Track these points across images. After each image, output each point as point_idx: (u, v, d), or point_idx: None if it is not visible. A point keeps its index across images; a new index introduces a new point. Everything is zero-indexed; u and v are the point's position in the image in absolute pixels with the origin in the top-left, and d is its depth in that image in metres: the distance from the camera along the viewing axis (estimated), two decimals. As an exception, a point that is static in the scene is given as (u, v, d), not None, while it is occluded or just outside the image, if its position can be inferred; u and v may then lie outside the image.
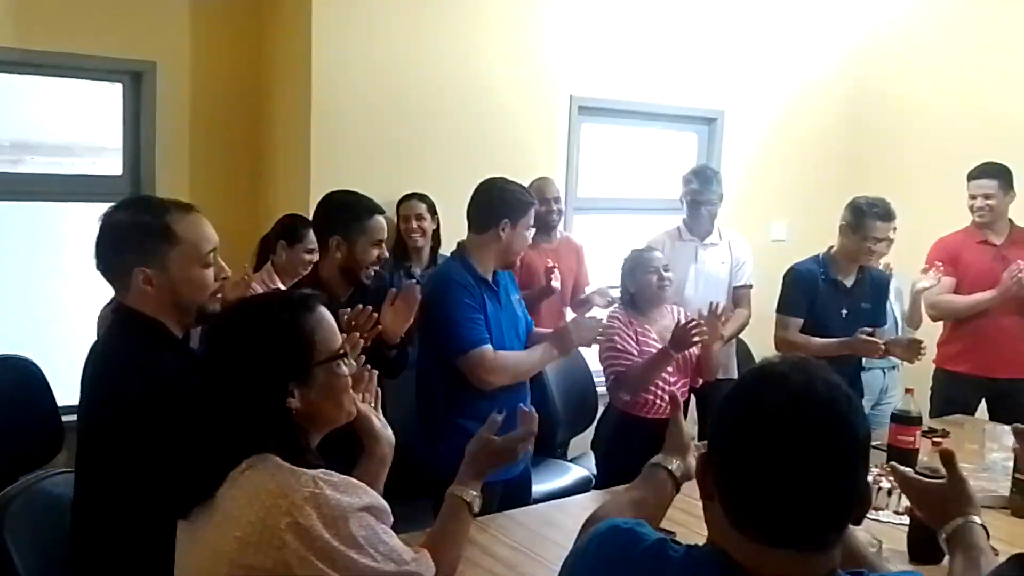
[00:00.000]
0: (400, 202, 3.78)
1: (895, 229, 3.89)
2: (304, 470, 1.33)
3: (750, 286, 3.92)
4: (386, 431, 1.67)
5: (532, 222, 2.75)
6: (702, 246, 3.85)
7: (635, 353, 3.11)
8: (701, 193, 3.81)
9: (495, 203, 2.69)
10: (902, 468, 1.62)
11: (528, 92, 4.11)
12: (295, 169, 3.67)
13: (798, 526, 1.03)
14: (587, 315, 3.45)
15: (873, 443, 3.22)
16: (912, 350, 3.31)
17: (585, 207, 4.51)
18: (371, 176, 3.48)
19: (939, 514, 1.49)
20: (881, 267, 3.91)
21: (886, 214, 3.44)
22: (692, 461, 1.60)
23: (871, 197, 3.48)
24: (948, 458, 1.51)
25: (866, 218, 3.41)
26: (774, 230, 4.98)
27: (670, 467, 1.62)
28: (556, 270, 3.71)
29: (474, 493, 1.66)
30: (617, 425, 3.20)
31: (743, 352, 4.25)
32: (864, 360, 3.78)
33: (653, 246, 3.77)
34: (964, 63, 4.89)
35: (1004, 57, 4.73)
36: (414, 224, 3.79)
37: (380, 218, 2.58)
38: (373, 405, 1.71)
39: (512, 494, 2.62)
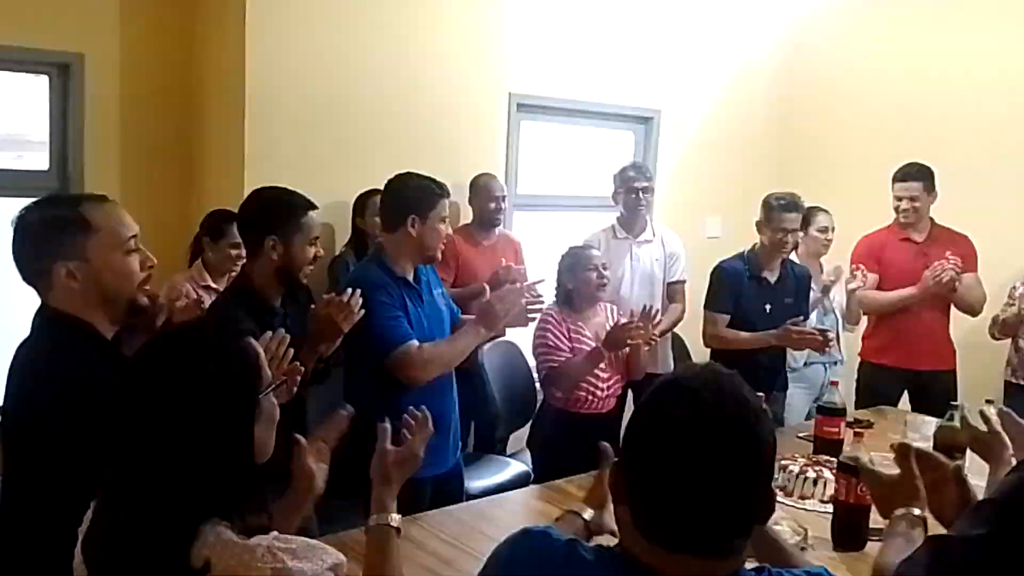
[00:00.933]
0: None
1: (831, 229, 4.01)
2: (258, 542, 1.17)
3: (684, 281, 4.01)
4: (321, 469, 1.62)
5: (445, 214, 2.69)
6: (636, 243, 3.92)
7: (567, 350, 3.15)
8: (639, 180, 3.88)
9: (401, 200, 2.64)
10: (864, 460, 1.78)
11: (468, 89, 4.12)
12: (229, 165, 3.61)
13: (701, 534, 1.06)
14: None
15: (800, 434, 3.31)
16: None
17: (524, 204, 4.54)
18: (307, 173, 3.44)
19: (887, 503, 1.58)
20: (826, 272, 4.05)
21: (792, 205, 3.56)
22: (608, 515, 1.68)
23: (780, 192, 3.62)
24: (903, 453, 1.59)
25: (773, 211, 3.54)
26: (708, 227, 5.08)
27: (584, 516, 1.74)
28: (511, 266, 3.75)
29: (396, 516, 1.62)
30: (553, 421, 3.24)
31: (678, 347, 4.33)
32: (808, 355, 3.90)
33: (590, 244, 3.83)
34: (890, 67, 5.07)
35: (929, 60, 4.92)
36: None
37: (314, 214, 2.50)
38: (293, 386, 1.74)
39: (444, 490, 2.63)
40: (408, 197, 2.65)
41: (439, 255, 2.74)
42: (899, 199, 4.06)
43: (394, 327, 2.56)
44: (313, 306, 2.46)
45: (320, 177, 3.54)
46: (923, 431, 2.98)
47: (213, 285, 3.30)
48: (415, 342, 2.58)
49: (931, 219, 4.13)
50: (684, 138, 5.01)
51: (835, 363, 4.07)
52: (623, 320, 3.19)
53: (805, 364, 4.00)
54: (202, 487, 1.16)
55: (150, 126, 3.69)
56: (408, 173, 2.74)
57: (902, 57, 5.02)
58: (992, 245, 4.13)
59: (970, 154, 4.59)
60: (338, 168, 3.73)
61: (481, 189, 3.94)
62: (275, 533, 1.21)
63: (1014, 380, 4.07)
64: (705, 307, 3.64)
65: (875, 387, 4.04)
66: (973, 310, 4.00)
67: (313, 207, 2.49)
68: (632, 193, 3.89)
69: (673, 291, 4.02)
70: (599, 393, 3.20)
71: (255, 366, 1.27)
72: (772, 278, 3.62)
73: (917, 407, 3.84)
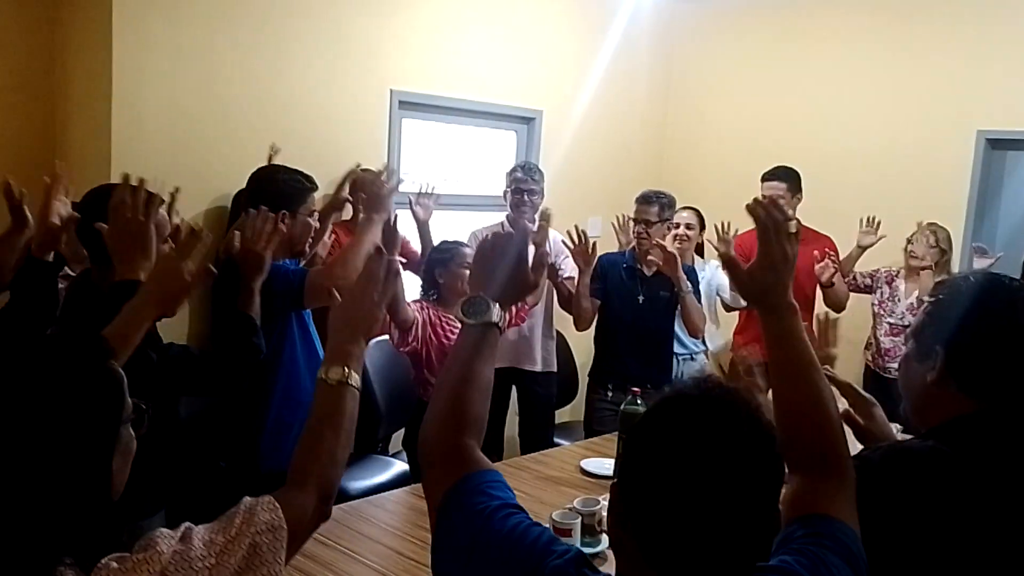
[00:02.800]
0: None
1: (690, 226, 4.16)
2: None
3: (572, 277, 4.07)
4: None
5: (315, 208, 2.69)
6: (521, 242, 3.96)
7: (444, 343, 3.17)
8: (525, 181, 3.94)
9: (269, 195, 2.61)
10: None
11: (348, 86, 4.06)
12: (98, 169, 3.42)
13: (718, 564, 0.96)
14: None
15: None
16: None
17: (407, 202, 4.51)
18: (180, 174, 3.29)
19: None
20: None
21: (647, 198, 3.76)
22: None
23: (647, 189, 3.83)
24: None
25: (636, 204, 3.77)
26: (590, 227, 5.15)
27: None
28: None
29: (343, 368, 1.36)
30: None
31: (561, 344, 4.41)
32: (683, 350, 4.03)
33: (475, 237, 3.87)
34: (759, 76, 5.32)
35: (795, 71, 5.19)
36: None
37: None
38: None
39: None
40: (277, 192, 2.61)
41: (308, 249, 2.72)
42: (765, 198, 4.26)
43: (290, 270, 2.58)
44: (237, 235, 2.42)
45: (194, 178, 3.40)
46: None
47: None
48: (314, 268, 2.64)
49: (797, 220, 4.35)
50: (565, 139, 5.09)
51: (700, 352, 4.19)
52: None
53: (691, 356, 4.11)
54: (53, 526, 1.02)
55: (12, 130, 3.47)
56: (275, 167, 2.70)
57: (770, 68, 5.29)
58: (849, 245, 4.41)
59: (832, 160, 4.87)
60: (213, 169, 3.59)
61: (359, 186, 3.89)
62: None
63: (873, 367, 4.36)
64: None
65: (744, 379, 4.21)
66: (840, 304, 4.25)
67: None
68: (518, 194, 3.94)
69: (560, 287, 4.08)
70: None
71: (120, 393, 1.13)
72: (648, 271, 3.75)
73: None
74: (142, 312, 1.75)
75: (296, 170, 2.69)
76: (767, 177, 4.32)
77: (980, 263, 4.14)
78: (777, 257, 1.28)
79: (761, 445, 0.97)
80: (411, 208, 3.90)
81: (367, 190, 2.83)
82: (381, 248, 2.28)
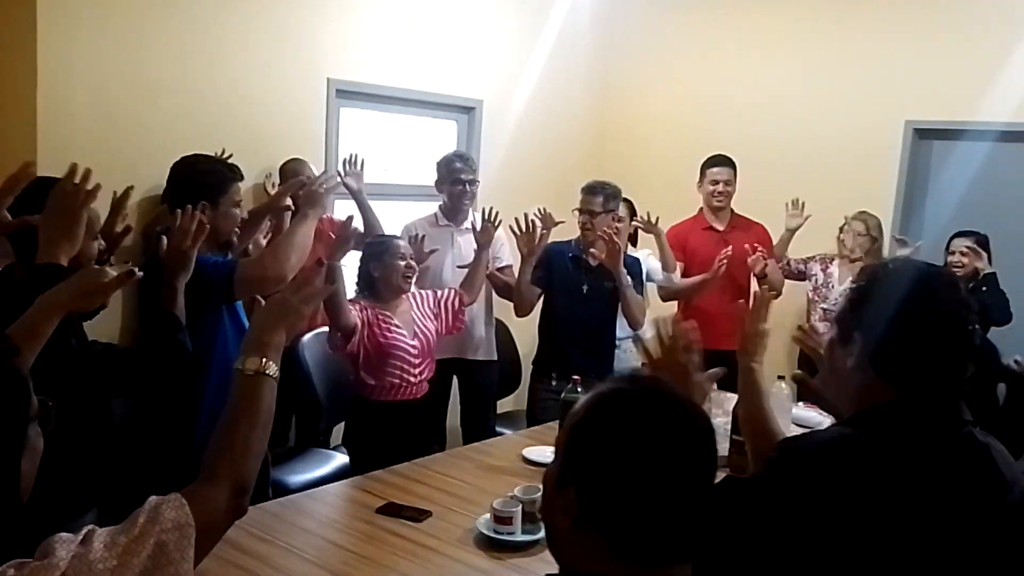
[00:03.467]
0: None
1: (623, 219, 4.18)
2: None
3: (510, 265, 4.08)
4: None
5: (239, 198, 2.63)
6: (459, 231, 3.96)
7: (381, 342, 3.15)
8: (465, 171, 3.92)
9: (188, 185, 2.55)
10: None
11: (283, 74, 3.99)
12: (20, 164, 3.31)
13: (679, 542, 1.03)
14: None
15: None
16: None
17: (345, 192, 4.46)
18: (111, 165, 3.21)
19: None
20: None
21: (592, 189, 3.78)
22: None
23: (593, 179, 3.84)
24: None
25: (582, 194, 3.78)
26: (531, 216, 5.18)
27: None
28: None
29: (261, 358, 1.34)
30: (366, 412, 3.22)
31: (502, 332, 4.41)
32: (617, 339, 4.07)
33: (409, 230, 3.84)
34: (698, 64, 5.39)
35: (732, 60, 5.26)
36: None
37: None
38: None
39: None
40: (196, 182, 2.56)
41: (235, 240, 2.68)
42: (715, 183, 4.36)
43: (218, 262, 2.54)
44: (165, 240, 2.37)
45: (123, 168, 3.30)
46: (725, 406, 3.19)
47: None
48: (242, 259, 2.62)
49: (731, 209, 4.45)
50: (506, 128, 5.08)
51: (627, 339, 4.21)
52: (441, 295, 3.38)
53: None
54: None
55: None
56: (195, 156, 2.64)
57: (707, 58, 5.36)
58: (779, 233, 4.51)
59: (767, 149, 4.96)
60: (143, 158, 3.48)
61: (289, 174, 3.83)
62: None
63: (806, 352, 4.45)
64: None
65: (685, 367, 4.27)
66: (776, 292, 4.33)
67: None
68: (459, 184, 3.92)
69: (495, 277, 4.08)
70: (411, 379, 3.22)
71: (25, 391, 1.11)
72: (593, 261, 3.77)
73: (721, 385, 4.09)
74: (55, 305, 1.72)
75: (219, 159, 2.65)
76: (714, 163, 4.40)
77: (900, 252, 4.25)
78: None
79: (702, 431, 1.05)
80: (342, 181, 3.86)
81: (304, 187, 2.81)
82: (323, 260, 2.27)
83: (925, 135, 4.76)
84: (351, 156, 3.87)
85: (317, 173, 3.87)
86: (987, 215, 4.36)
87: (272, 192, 3.64)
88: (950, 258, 4.13)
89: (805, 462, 1.29)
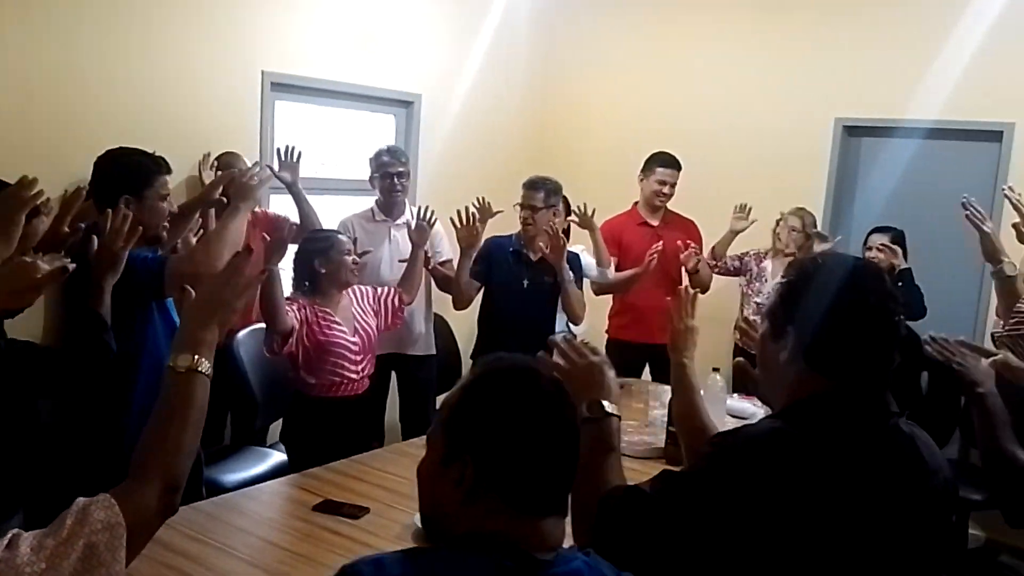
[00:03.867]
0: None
1: (563, 211, 4.20)
2: None
3: (449, 260, 4.07)
4: None
5: (166, 191, 2.59)
6: (395, 226, 3.93)
7: (321, 340, 3.12)
8: (394, 164, 3.90)
9: (112, 178, 2.50)
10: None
11: (217, 67, 3.91)
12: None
13: (558, 496, 1.18)
14: None
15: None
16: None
17: (282, 186, 4.39)
18: (36, 162, 3.10)
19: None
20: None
21: (533, 184, 3.79)
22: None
23: (534, 175, 3.86)
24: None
25: (523, 189, 3.80)
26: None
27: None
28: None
29: (193, 355, 1.32)
30: (306, 409, 3.19)
31: (441, 327, 4.41)
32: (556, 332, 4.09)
33: (345, 226, 3.80)
34: (636, 61, 5.44)
35: (670, 58, 5.33)
36: None
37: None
38: None
39: None
40: (119, 175, 2.50)
41: (164, 235, 2.63)
42: (662, 183, 4.41)
43: (147, 258, 2.49)
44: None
45: (49, 163, 3.19)
46: (662, 399, 3.25)
47: None
48: (173, 256, 2.57)
49: (665, 205, 4.52)
50: (446, 123, 5.07)
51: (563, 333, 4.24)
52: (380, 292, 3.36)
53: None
54: None
55: None
56: (120, 149, 2.58)
57: (645, 56, 5.42)
58: (718, 227, 4.58)
59: (702, 146, 5.03)
60: (69, 153, 3.37)
61: (223, 168, 3.76)
62: None
63: (741, 345, 4.55)
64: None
65: (620, 361, 4.29)
66: (705, 286, 4.42)
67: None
68: (388, 178, 3.90)
69: (436, 271, 4.07)
70: (352, 376, 3.19)
71: None
72: (534, 256, 3.78)
73: (657, 377, 4.17)
74: None
75: (145, 152, 2.58)
76: (663, 163, 4.44)
77: (819, 247, 4.36)
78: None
79: (563, 400, 1.20)
80: (275, 174, 3.80)
81: (235, 180, 2.76)
82: (251, 247, 2.23)
83: (854, 132, 4.89)
84: (286, 148, 3.81)
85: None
86: (914, 211, 4.49)
87: (206, 178, 3.57)
88: (867, 253, 4.24)
89: (737, 457, 1.31)
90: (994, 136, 4.42)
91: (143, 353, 2.49)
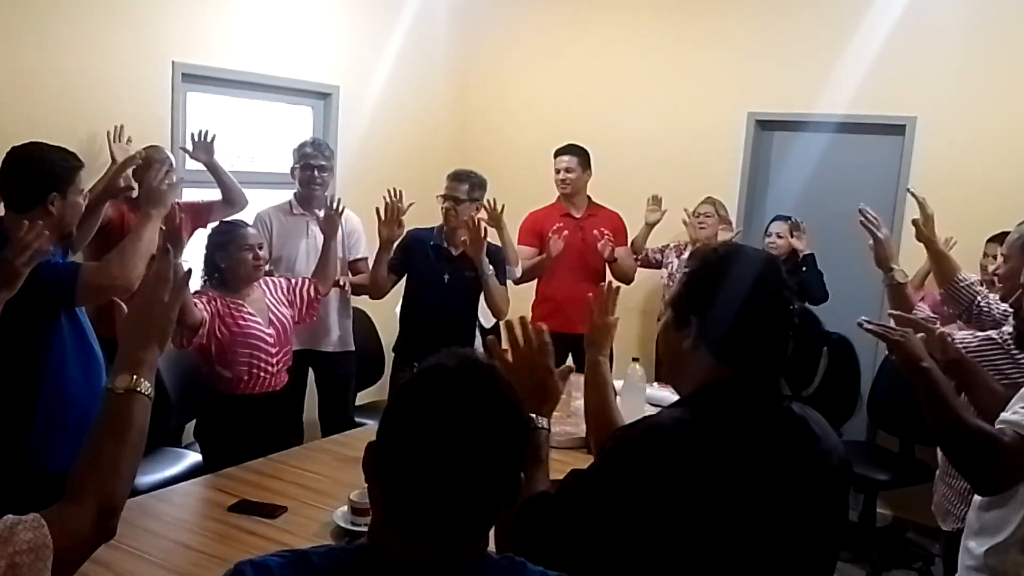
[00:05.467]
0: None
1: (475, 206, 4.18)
2: None
3: (365, 258, 4.03)
4: None
5: (83, 187, 2.53)
6: (313, 220, 3.87)
7: (234, 331, 3.06)
8: (315, 157, 3.85)
9: (37, 175, 2.41)
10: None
11: (125, 57, 3.78)
12: None
13: (450, 528, 1.04)
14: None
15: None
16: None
17: (197, 180, 4.28)
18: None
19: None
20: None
21: (457, 176, 3.80)
22: None
23: (459, 167, 3.86)
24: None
25: (447, 181, 3.79)
26: (391, 204, 5.13)
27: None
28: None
29: (132, 376, 1.27)
30: (221, 406, 3.12)
31: (363, 322, 4.36)
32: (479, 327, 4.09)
33: (261, 219, 3.73)
34: (555, 56, 5.47)
35: (588, 53, 5.37)
36: None
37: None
38: None
39: None
40: (44, 173, 2.41)
41: (75, 231, 2.56)
42: (558, 171, 4.49)
43: (58, 265, 2.41)
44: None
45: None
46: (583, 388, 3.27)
47: None
48: (85, 264, 2.52)
49: (588, 197, 4.56)
50: (364, 115, 5.01)
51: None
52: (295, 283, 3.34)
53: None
54: None
55: None
56: (36, 145, 2.48)
57: (564, 50, 5.45)
58: (636, 219, 4.65)
59: (621, 139, 5.10)
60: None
61: (144, 161, 3.66)
62: None
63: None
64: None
65: (544, 352, 4.35)
66: (627, 277, 4.48)
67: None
68: (308, 170, 3.85)
69: (356, 268, 4.03)
70: (269, 369, 3.14)
71: None
72: (455, 251, 3.77)
73: (580, 368, 4.19)
74: None
75: (60, 147, 2.49)
76: (559, 152, 4.51)
77: (723, 236, 4.49)
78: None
79: (506, 415, 1.06)
80: (192, 155, 3.77)
81: (145, 182, 2.69)
82: (168, 248, 2.16)
83: (766, 126, 5.01)
84: (199, 132, 3.74)
85: (173, 161, 3.72)
86: (824, 202, 4.63)
87: (118, 153, 3.46)
88: (767, 240, 4.41)
89: (638, 449, 1.33)
90: (898, 129, 4.58)
91: (48, 358, 2.40)
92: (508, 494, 1.07)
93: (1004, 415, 1.81)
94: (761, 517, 1.32)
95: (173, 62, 3.98)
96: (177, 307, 1.37)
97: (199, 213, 3.77)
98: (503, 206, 4.11)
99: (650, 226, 4.60)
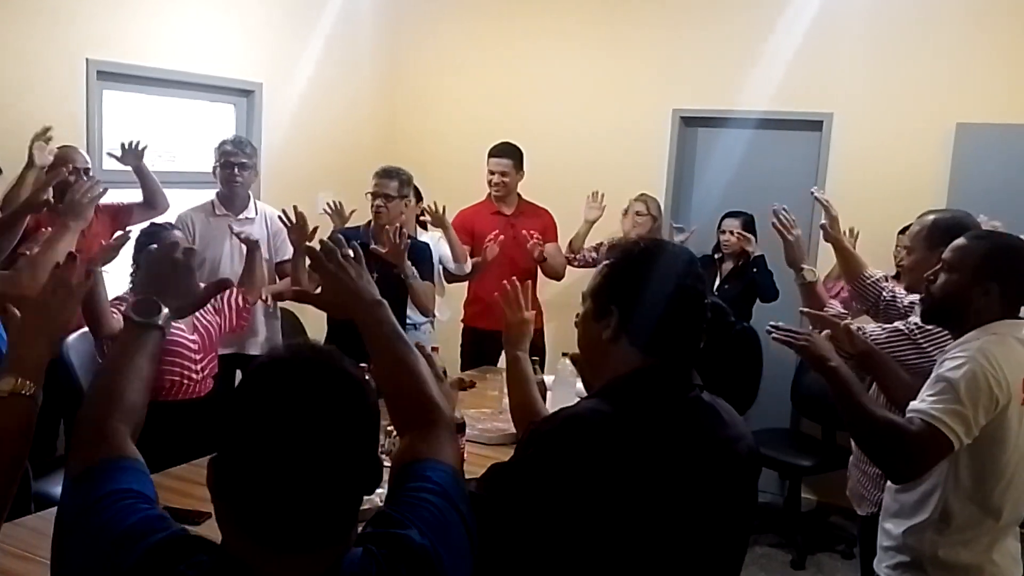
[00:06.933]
0: None
1: (414, 199, 4.16)
2: None
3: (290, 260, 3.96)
4: None
5: None
6: (237, 221, 3.80)
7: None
8: (236, 155, 3.79)
9: None
10: None
11: (35, 54, 3.66)
12: None
13: (299, 531, 0.99)
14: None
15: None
16: None
17: (116, 180, 4.15)
18: None
19: None
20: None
21: (385, 173, 3.77)
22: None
23: (388, 164, 3.82)
24: None
25: (375, 178, 3.76)
26: (319, 202, 5.07)
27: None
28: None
29: (16, 379, 1.27)
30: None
31: (287, 320, 4.30)
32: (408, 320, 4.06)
33: (183, 221, 3.65)
34: (484, 53, 5.48)
35: (517, 51, 5.39)
36: None
37: None
38: None
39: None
40: None
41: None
42: (492, 173, 4.45)
43: None
44: None
45: None
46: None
47: None
48: None
49: (519, 195, 4.58)
50: (288, 113, 4.94)
51: (426, 323, 4.19)
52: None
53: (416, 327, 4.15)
54: None
55: None
56: None
57: (493, 48, 5.46)
58: (567, 217, 4.68)
59: (552, 137, 5.13)
60: None
61: (58, 163, 3.54)
62: None
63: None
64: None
65: (477, 349, 4.38)
66: (557, 275, 4.51)
67: None
68: (228, 168, 3.78)
69: (282, 270, 3.97)
70: (193, 376, 3.07)
71: None
72: (383, 248, 3.74)
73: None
74: None
75: None
76: (494, 153, 4.49)
77: (677, 239, 4.54)
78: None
79: (353, 396, 1.02)
80: (120, 159, 3.70)
81: (77, 191, 2.62)
82: (75, 254, 2.10)
83: (691, 123, 5.10)
84: (130, 142, 3.65)
85: (88, 163, 3.62)
86: (749, 198, 4.72)
87: (37, 157, 3.36)
88: (722, 236, 4.45)
89: (554, 440, 1.35)
90: (815, 126, 4.72)
91: None
92: (366, 479, 1.03)
93: (913, 403, 1.89)
94: (676, 503, 1.35)
95: (87, 59, 3.86)
96: (74, 312, 1.35)
97: (118, 215, 3.66)
98: (444, 207, 4.11)
99: (590, 223, 4.60)
